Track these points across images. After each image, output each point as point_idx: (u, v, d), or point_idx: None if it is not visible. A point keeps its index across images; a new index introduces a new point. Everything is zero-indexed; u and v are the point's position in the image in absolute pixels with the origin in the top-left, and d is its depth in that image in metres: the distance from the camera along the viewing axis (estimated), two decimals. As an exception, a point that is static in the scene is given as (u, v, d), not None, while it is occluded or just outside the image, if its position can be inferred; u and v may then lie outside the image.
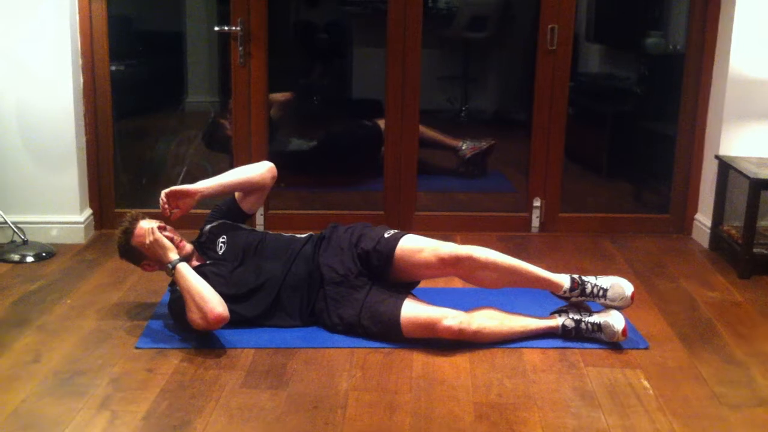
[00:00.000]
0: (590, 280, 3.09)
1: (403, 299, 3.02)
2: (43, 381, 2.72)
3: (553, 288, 3.10)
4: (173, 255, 3.06)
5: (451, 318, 2.95)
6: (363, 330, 3.04)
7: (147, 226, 3.12)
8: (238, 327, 3.06)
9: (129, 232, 3.15)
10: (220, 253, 3.21)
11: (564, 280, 3.09)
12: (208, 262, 3.20)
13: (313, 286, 3.14)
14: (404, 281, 3.17)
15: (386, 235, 3.15)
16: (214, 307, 2.90)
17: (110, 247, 4.03)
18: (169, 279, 3.13)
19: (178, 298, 3.05)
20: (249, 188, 3.35)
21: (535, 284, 3.13)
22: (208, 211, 3.44)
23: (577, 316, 3.04)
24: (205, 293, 2.94)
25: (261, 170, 3.35)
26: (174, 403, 2.60)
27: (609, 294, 3.05)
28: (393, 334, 2.99)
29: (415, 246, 3.10)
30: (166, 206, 3.18)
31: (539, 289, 3.15)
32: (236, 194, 3.38)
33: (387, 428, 2.48)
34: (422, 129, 4.46)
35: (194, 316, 2.93)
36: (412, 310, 3.00)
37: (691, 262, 4.02)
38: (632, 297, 3.05)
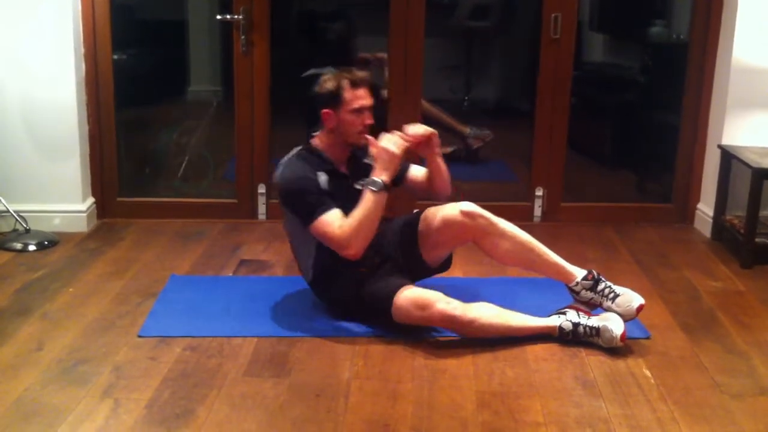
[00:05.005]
0: (606, 281, 3.06)
1: (406, 283, 3.00)
2: (46, 369, 2.73)
3: (566, 277, 3.08)
4: (388, 178, 2.93)
5: (446, 302, 2.92)
6: (358, 302, 3.03)
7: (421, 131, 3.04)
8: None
9: (359, 82, 2.98)
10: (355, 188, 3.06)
11: (578, 271, 3.07)
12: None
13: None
14: (434, 258, 3.17)
15: (415, 211, 3.24)
16: (360, 247, 2.91)
17: (113, 236, 4.06)
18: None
19: (314, 184, 2.95)
20: (434, 182, 3.23)
21: (549, 269, 3.10)
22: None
23: (575, 319, 2.97)
24: (372, 232, 2.93)
25: (450, 184, 3.26)
26: (177, 391, 2.60)
27: (618, 300, 3.00)
28: (383, 311, 2.95)
29: (437, 207, 3.15)
30: (416, 136, 3.04)
31: (546, 285, 3.14)
32: (417, 173, 3.27)
33: (389, 417, 2.49)
34: (427, 105, 4.44)
35: (345, 231, 2.88)
36: (410, 289, 2.97)
37: (693, 252, 4.02)
38: (638, 310, 2.98)
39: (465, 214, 3.08)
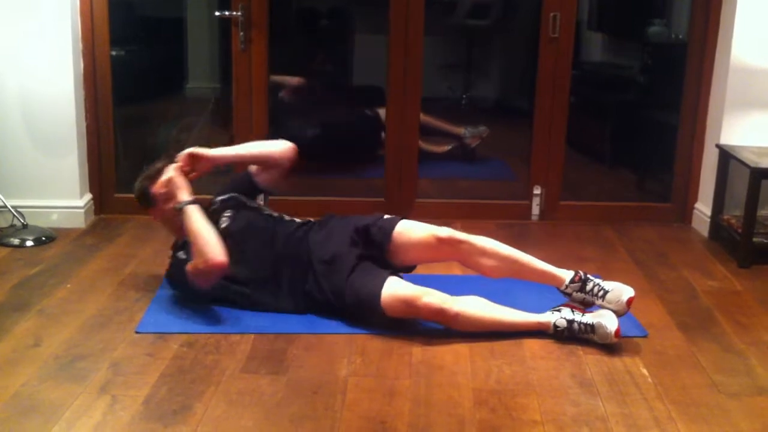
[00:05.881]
0: (594, 278, 3.06)
1: (387, 277, 3.00)
2: (44, 365, 2.73)
3: (554, 281, 3.09)
4: (186, 196, 3.10)
5: (432, 296, 2.92)
6: (345, 306, 3.04)
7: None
8: (235, 307, 3.15)
9: (152, 177, 3.24)
10: (222, 227, 3.20)
11: (566, 274, 3.08)
12: None
13: (300, 267, 3.13)
14: (400, 264, 3.17)
15: (386, 217, 3.23)
16: (216, 254, 2.94)
17: (110, 232, 4.06)
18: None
19: (178, 263, 3.13)
20: (265, 163, 3.39)
21: (537, 276, 3.11)
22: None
23: (569, 316, 2.96)
24: (211, 238, 2.98)
25: (279, 147, 3.38)
26: (174, 387, 2.60)
27: (608, 296, 3.00)
28: (373, 311, 2.96)
29: (414, 225, 3.18)
30: (184, 167, 3.22)
31: (541, 284, 3.14)
32: (253, 168, 3.42)
33: (386, 414, 2.48)
34: (425, 118, 4.47)
35: (197, 260, 2.97)
36: (393, 286, 2.97)
37: (691, 251, 4.02)
38: (628, 303, 2.98)
39: (444, 242, 3.10)
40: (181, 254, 3.16)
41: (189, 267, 3.02)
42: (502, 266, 3.11)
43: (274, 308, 3.14)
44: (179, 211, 3.07)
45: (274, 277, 3.15)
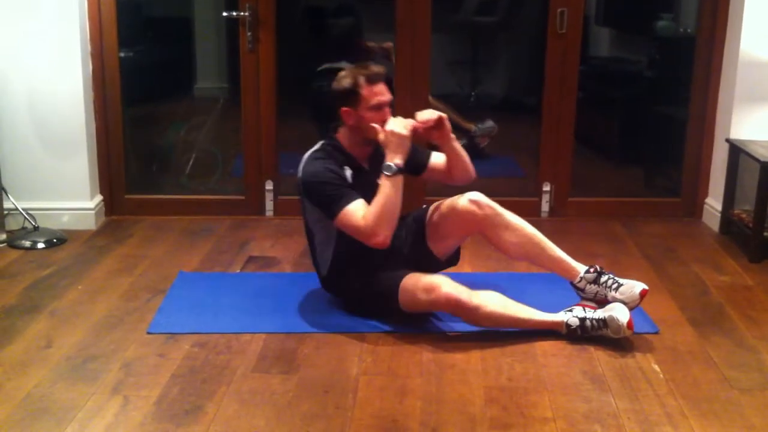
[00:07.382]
0: (608, 273, 3.07)
1: (412, 271, 3.01)
2: (56, 366, 2.74)
3: (569, 272, 3.09)
4: (402, 161, 2.90)
5: (453, 286, 2.91)
6: (367, 295, 3.05)
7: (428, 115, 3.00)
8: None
9: (371, 80, 2.94)
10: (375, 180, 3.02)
11: (582, 266, 3.09)
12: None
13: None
14: (443, 251, 3.19)
15: (423, 207, 3.27)
16: (387, 234, 2.87)
17: (121, 233, 4.07)
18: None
19: (329, 180, 2.93)
20: (455, 166, 3.19)
21: (554, 264, 3.12)
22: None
23: (581, 314, 2.95)
24: (396, 217, 2.91)
25: (470, 170, 3.22)
26: (186, 387, 2.61)
27: (621, 288, 3.00)
28: (390, 298, 2.96)
29: (444, 200, 3.18)
30: (427, 121, 3.00)
31: (555, 282, 3.15)
32: (437, 159, 3.24)
33: (398, 412, 2.49)
34: (433, 102, 4.45)
35: (368, 221, 2.85)
36: (415, 275, 2.98)
37: (701, 246, 4.01)
38: (641, 295, 2.97)
39: (472, 202, 3.10)
40: (349, 175, 2.99)
41: (358, 219, 2.86)
42: (522, 245, 3.11)
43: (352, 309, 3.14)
44: (391, 173, 2.87)
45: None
